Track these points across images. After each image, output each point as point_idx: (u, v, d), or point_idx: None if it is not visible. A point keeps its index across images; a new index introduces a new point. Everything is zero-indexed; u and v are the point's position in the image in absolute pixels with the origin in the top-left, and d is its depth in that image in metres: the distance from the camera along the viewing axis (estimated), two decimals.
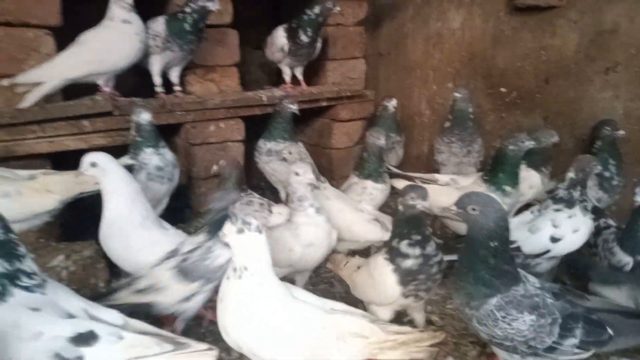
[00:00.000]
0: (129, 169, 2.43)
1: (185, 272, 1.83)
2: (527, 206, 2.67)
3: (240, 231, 1.50)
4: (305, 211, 2.15)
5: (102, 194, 2.02)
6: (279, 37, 3.23)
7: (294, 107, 2.99)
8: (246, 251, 1.52)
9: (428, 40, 3.92)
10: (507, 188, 2.49)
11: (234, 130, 3.18)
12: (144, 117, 2.46)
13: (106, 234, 2.01)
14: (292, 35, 3.18)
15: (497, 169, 2.54)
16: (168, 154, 2.57)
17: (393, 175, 2.95)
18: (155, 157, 2.49)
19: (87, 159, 1.97)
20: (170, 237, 2.02)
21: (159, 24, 2.74)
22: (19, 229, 2.17)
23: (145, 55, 2.78)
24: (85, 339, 1.35)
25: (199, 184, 3.13)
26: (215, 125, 3.09)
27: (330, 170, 3.89)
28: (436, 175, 2.91)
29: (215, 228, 1.80)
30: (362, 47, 3.91)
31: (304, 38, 3.16)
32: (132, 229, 1.99)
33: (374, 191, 2.79)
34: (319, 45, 3.37)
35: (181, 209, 3.21)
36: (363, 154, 2.88)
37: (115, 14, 2.59)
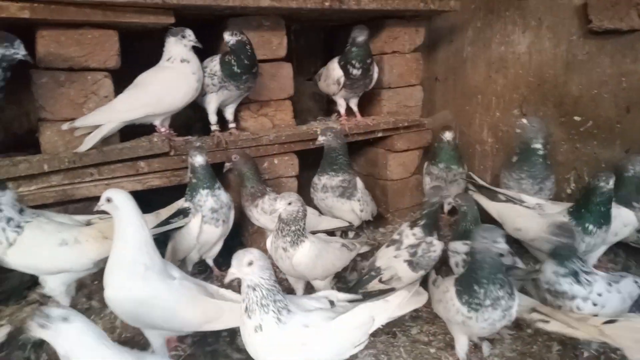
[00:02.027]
0: (185, 212, 2.40)
1: (414, 264, 2.36)
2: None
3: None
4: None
5: (113, 240, 1.89)
6: (335, 69, 3.13)
7: (322, 139, 2.85)
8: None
9: (490, 64, 3.70)
10: (590, 227, 2.36)
11: (288, 165, 3.08)
12: (198, 159, 2.40)
13: (108, 287, 1.83)
14: (345, 69, 3.06)
15: (582, 205, 2.42)
16: (223, 195, 2.51)
17: (477, 186, 2.81)
18: (210, 199, 2.42)
19: (106, 193, 1.90)
20: (173, 289, 1.87)
21: (215, 64, 2.70)
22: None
23: (202, 93, 2.75)
24: None
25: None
26: (269, 162, 3.01)
27: (385, 202, 3.73)
28: (524, 197, 2.74)
29: (428, 224, 2.40)
30: (419, 74, 3.75)
31: (354, 71, 3.06)
32: (133, 282, 1.82)
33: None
34: (375, 75, 3.24)
35: (233, 247, 3.14)
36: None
37: (175, 53, 2.58)
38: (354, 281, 2.54)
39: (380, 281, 2.38)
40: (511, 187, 2.94)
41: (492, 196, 2.76)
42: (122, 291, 1.80)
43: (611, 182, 2.31)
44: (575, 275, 2.01)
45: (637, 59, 2.88)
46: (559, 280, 2.02)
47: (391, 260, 2.41)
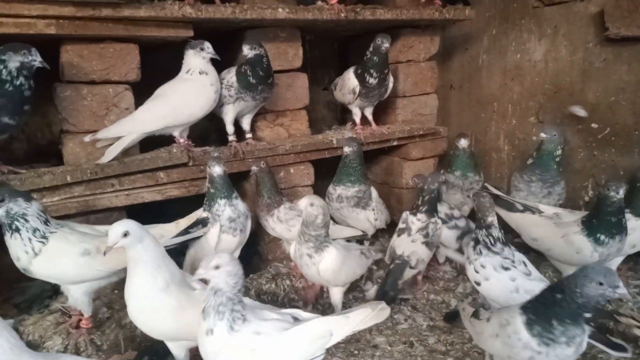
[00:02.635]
0: (204, 221, 2.44)
1: (429, 244, 2.63)
2: None
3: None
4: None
5: (128, 262, 1.89)
6: (350, 79, 3.14)
7: (348, 150, 2.88)
8: None
9: (505, 72, 3.69)
10: (602, 237, 2.32)
11: (304, 175, 3.10)
12: (216, 170, 2.43)
13: (132, 303, 1.87)
14: (361, 77, 3.08)
15: (594, 215, 2.39)
16: (240, 205, 2.53)
17: (494, 197, 2.77)
18: (228, 209, 2.45)
19: (120, 228, 1.81)
20: (195, 300, 1.86)
21: (231, 75, 2.74)
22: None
23: (219, 104, 2.79)
24: None
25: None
26: (285, 171, 3.03)
27: (400, 210, 3.68)
28: (541, 206, 2.74)
29: (429, 209, 2.65)
30: (434, 82, 3.75)
31: (371, 80, 3.07)
32: (157, 296, 1.84)
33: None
34: (390, 84, 3.26)
35: (249, 256, 3.17)
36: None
37: (194, 65, 2.63)
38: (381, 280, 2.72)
39: (411, 267, 2.60)
40: (520, 190, 2.94)
41: (510, 206, 2.75)
42: (145, 305, 1.83)
43: (621, 192, 2.26)
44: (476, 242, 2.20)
45: None
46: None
47: (411, 246, 2.62)
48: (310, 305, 2.60)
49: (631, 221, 2.41)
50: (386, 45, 2.96)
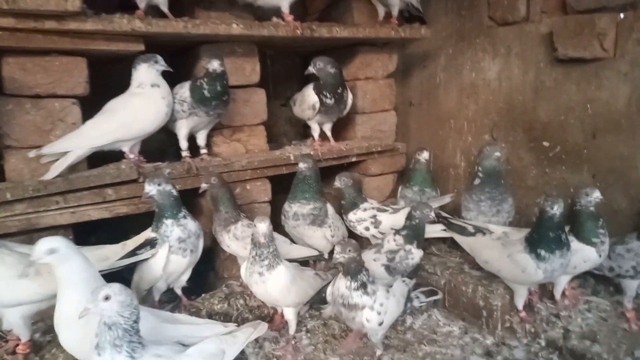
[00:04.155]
0: (152, 242, 2.36)
1: (391, 269, 2.51)
2: None
3: None
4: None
5: (57, 285, 1.80)
6: (310, 95, 3.14)
7: (303, 166, 2.84)
8: None
9: (462, 90, 3.77)
10: (542, 252, 2.34)
11: (261, 191, 3.07)
12: (147, 188, 2.33)
13: (60, 325, 1.79)
14: (319, 95, 3.09)
15: (534, 230, 2.42)
16: (190, 224, 2.44)
17: (447, 222, 2.84)
18: (176, 229, 2.37)
19: (45, 244, 1.73)
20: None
21: (185, 90, 2.70)
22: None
23: (172, 119, 2.74)
24: None
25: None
26: (242, 187, 2.99)
27: None
28: (491, 226, 2.75)
29: (409, 235, 2.53)
30: (393, 99, 3.80)
31: (327, 100, 3.09)
32: (89, 324, 1.70)
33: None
34: (349, 101, 3.27)
35: (205, 273, 3.10)
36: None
37: (145, 78, 2.57)
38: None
39: None
40: (471, 210, 2.94)
41: (462, 230, 2.76)
42: (78, 333, 1.74)
43: (556, 207, 2.28)
44: (364, 287, 2.10)
45: (601, 86, 2.96)
46: (351, 294, 2.09)
47: (370, 263, 2.51)
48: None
49: (573, 243, 2.42)
50: (309, 67, 2.99)
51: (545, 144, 3.27)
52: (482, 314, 2.64)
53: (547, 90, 3.24)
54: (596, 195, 2.43)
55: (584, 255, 2.44)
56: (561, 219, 2.32)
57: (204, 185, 2.62)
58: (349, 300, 2.09)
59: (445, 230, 2.80)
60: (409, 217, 2.57)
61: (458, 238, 2.78)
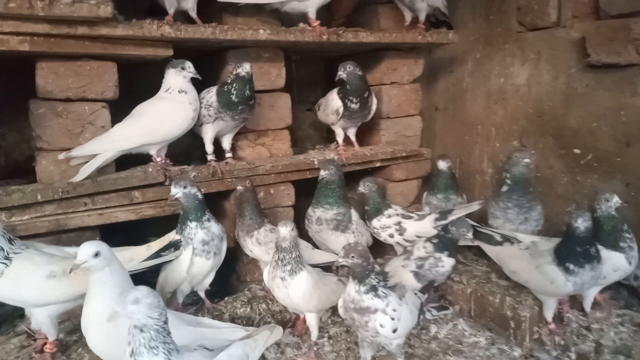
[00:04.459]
0: (177, 244, 2.38)
1: (420, 276, 2.53)
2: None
3: None
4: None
5: (90, 286, 1.83)
6: (334, 99, 3.14)
7: (324, 173, 2.83)
8: None
9: (489, 96, 3.71)
10: (571, 266, 2.27)
11: (284, 195, 3.07)
12: (173, 190, 2.33)
13: (88, 326, 1.81)
14: (344, 100, 3.07)
15: (562, 243, 2.35)
16: (214, 227, 2.44)
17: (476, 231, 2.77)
18: (200, 232, 2.38)
19: (91, 247, 1.76)
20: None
21: (211, 95, 2.72)
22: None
23: (199, 123, 2.77)
24: None
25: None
26: (265, 191, 2.99)
27: None
28: (519, 235, 2.69)
29: (439, 244, 2.54)
30: (418, 104, 3.75)
31: (352, 105, 3.08)
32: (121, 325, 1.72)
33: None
34: (373, 106, 3.25)
35: (227, 275, 3.11)
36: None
37: (174, 84, 2.61)
38: None
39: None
40: (497, 217, 2.88)
41: (489, 239, 2.71)
42: (107, 333, 1.75)
43: (580, 220, 2.22)
44: (374, 289, 2.00)
45: (635, 93, 2.87)
46: (362, 297, 1.99)
47: (399, 269, 2.58)
48: None
49: (604, 253, 2.35)
50: (341, 74, 2.97)
51: (577, 151, 3.18)
52: (509, 325, 2.57)
53: (578, 96, 3.16)
54: (615, 200, 2.40)
55: (613, 263, 2.37)
56: (588, 232, 2.25)
57: (239, 188, 2.64)
58: (360, 304, 1.99)
59: (471, 239, 2.74)
60: (444, 229, 2.56)
61: (485, 247, 2.73)
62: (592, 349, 2.40)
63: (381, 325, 2.00)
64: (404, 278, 2.55)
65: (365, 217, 3.04)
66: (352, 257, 1.98)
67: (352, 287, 2.03)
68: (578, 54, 3.12)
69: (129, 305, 1.50)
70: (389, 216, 2.95)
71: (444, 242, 2.55)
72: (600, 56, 2.90)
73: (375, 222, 2.96)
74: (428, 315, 2.39)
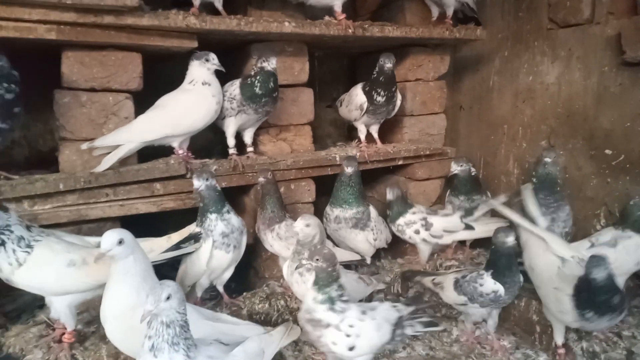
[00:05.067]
0: (197, 237, 2.36)
1: (457, 286, 2.36)
2: None
3: None
4: None
5: (112, 275, 1.81)
6: (358, 95, 3.09)
7: (349, 170, 2.78)
8: None
9: (517, 95, 3.61)
10: (589, 315, 2.04)
11: (305, 191, 3.02)
12: (196, 183, 2.32)
13: (108, 317, 1.80)
14: (369, 94, 3.02)
15: (579, 288, 2.06)
16: (234, 219, 2.42)
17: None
18: (220, 224, 2.35)
19: (115, 235, 1.74)
20: None
21: (235, 87, 2.70)
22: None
23: (221, 117, 2.74)
24: None
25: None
26: (286, 187, 2.95)
27: None
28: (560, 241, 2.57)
29: (492, 265, 2.31)
30: (443, 102, 3.68)
31: (378, 98, 3.03)
32: (135, 310, 1.71)
33: None
34: (398, 102, 3.19)
35: (245, 272, 3.08)
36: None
37: (197, 76, 2.60)
38: None
39: (433, 281, 2.52)
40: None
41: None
42: (128, 323, 1.72)
43: (596, 271, 1.96)
44: (331, 301, 1.84)
45: None
46: (316, 308, 1.84)
47: (448, 277, 2.49)
48: None
49: (634, 238, 2.31)
50: (389, 65, 2.94)
51: (608, 152, 3.06)
52: (535, 330, 2.49)
53: (611, 95, 3.04)
54: None
55: None
56: (608, 281, 1.96)
57: (260, 179, 2.61)
58: (313, 315, 1.84)
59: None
60: (495, 247, 2.32)
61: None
62: (622, 356, 2.30)
63: (333, 343, 1.85)
64: (445, 280, 2.44)
65: (388, 220, 3.01)
66: (317, 260, 1.85)
67: (311, 294, 1.89)
68: (612, 52, 3.00)
69: (162, 302, 1.46)
70: (414, 212, 2.92)
71: (491, 256, 2.34)
72: (638, 53, 2.78)
73: (401, 220, 2.93)
74: (409, 331, 2.08)
